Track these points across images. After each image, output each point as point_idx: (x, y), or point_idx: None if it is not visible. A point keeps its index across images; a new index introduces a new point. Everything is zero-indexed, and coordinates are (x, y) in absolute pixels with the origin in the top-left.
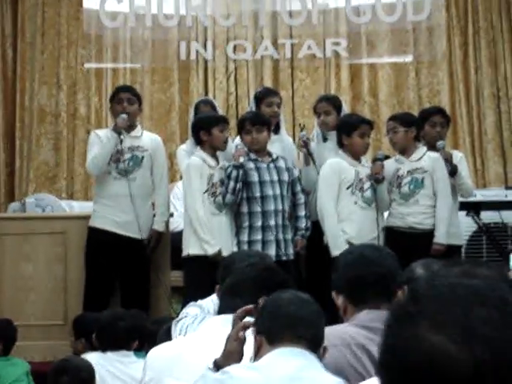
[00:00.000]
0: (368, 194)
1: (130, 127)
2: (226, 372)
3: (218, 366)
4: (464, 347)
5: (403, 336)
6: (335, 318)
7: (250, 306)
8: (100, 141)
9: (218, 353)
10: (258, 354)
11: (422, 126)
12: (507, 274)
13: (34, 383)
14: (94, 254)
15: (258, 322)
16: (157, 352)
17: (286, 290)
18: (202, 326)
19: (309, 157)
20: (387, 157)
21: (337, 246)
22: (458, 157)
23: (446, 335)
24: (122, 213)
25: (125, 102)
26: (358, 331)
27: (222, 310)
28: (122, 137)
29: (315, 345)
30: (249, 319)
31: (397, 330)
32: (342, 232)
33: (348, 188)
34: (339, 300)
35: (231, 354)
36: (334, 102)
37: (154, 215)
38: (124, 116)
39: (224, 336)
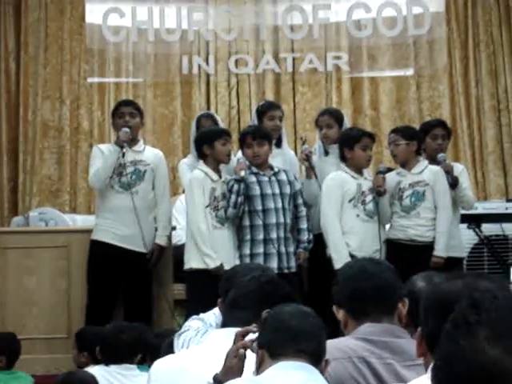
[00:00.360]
0: (370, 206)
1: (132, 141)
2: None
3: (218, 381)
4: None
5: (460, 344)
6: (337, 331)
7: (254, 327)
8: (102, 155)
9: (221, 366)
10: (259, 367)
11: (424, 138)
12: (509, 287)
13: None
14: (96, 267)
15: (260, 335)
16: (161, 364)
17: (289, 303)
18: (207, 338)
19: (311, 170)
20: (389, 169)
21: (341, 260)
22: (459, 169)
23: (504, 348)
24: (124, 226)
25: (127, 115)
26: (359, 344)
27: (225, 323)
28: (124, 150)
29: (317, 358)
30: (251, 337)
31: (455, 337)
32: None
33: (350, 201)
34: (340, 314)
35: (231, 370)
36: (336, 116)
37: (156, 229)
38: (126, 130)
39: (228, 349)
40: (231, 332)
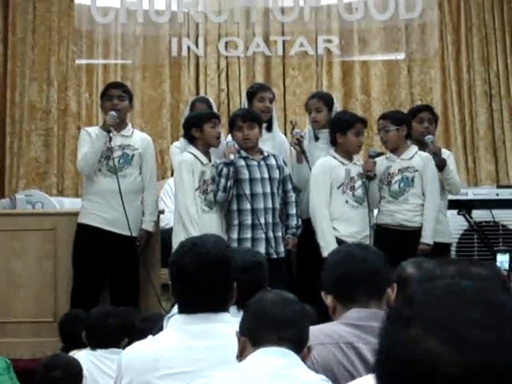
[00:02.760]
0: (359, 192)
1: (121, 124)
2: (206, 375)
3: None
4: (455, 350)
5: (396, 339)
6: (326, 317)
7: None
8: (90, 138)
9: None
10: (241, 355)
11: (411, 123)
12: (501, 272)
13: (16, 379)
14: (82, 250)
15: (242, 323)
16: (131, 355)
17: (270, 290)
18: (169, 323)
19: (301, 154)
20: (380, 154)
21: (328, 247)
22: (446, 154)
23: (438, 338)
24: (111, 209)
25: (115, 98)
26: (346, 329)
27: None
28: (111, 135)
29: (299, 345)
30: None
31: (390, 333)
32: (335, 230)
33: (339, 187)
34: (328, 300)
35: None
36: (326, 99)
37: (143, 214)
38: (113, 113)
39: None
40: (193, 317)
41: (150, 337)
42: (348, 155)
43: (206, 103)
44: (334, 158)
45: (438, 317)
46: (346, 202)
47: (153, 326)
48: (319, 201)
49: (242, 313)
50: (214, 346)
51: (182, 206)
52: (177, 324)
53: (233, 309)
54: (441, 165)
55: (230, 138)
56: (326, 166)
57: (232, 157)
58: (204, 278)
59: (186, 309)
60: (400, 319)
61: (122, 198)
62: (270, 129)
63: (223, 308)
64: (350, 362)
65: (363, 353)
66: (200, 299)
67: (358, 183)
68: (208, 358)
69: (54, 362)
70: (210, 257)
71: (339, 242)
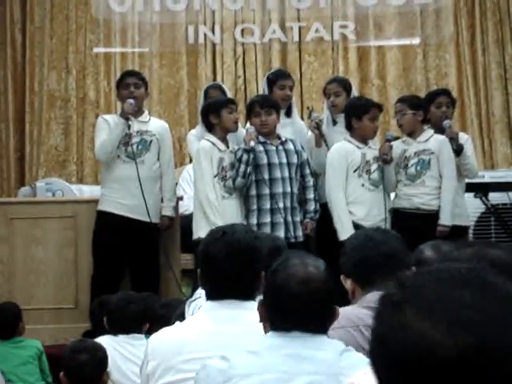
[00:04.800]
0: (375, 176)
1: (138, 111)
2: (226, 359)
3: None
4: (447, 332)
5: (390, 324)
6: (345, 300)
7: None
8: (108, 126)
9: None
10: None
11: (428, 108)
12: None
13: (47, 367)
14: (102, 237)
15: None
16: (157, 340)
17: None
18: (200, 309)
19: (321, 138)
20: (396, 138)
21: (344, 231)
22: (464, 138)
23: (430, 322)
24: (130, 196)
25: (131, 86)
26: (365, 312)
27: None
28: (129, 122)
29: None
30: None
31: (384, 318)
32: (351, 214)
33: (355, 171)
34: (347, 283)
35: None
36: (345, 84)
37: (162, 200)
38: (131, 101)
39: (228, 317)
40: (221, 304)
41: (178, 322)
42: (363, 140)
43: (220, 89)
44: (350, 142)
45: (429, 300)
46: (362, 185)
47: (173, 311)
48: (335, 185)
49: None
50: (239, 331)
51: (201, 194)
52: (204, 310)
53: (260, 297)
54: (458, 150)
55: (249, 124)
56: (342, 151)
57: (252, 143)
58: (233, 267)
59: (214, 295)
60: (393, 303)
61: (140, 184)
62: (289, 114)
63: (250, 296)
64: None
65: None
66: (228, 287)
67: (374, 166)
68: (233, 344)
69: (81, 346)
70: (239, 246)
71: (356, 225)
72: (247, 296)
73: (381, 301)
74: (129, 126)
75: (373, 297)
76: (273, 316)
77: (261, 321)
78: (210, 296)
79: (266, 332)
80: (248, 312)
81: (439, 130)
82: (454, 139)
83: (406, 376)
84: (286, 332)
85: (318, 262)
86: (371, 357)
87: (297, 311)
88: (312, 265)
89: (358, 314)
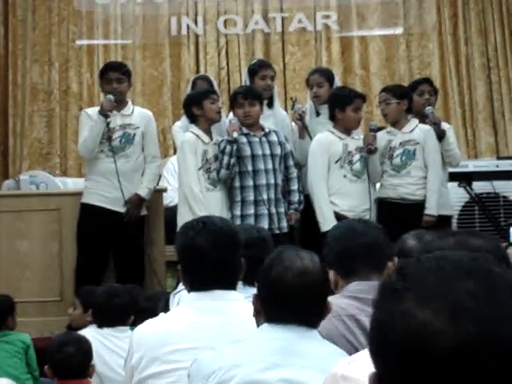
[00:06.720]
0: (357, 166)
1: (121, 103)
2: (216, 348)
3: None
4: (449, 321)
5: (390, 312)
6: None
7: None
8: (90, 120)
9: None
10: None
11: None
12: (500, 244)
13: (35, 361)
14: (86, 230)
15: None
16: (141, 332)
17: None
18: (182, 301)
19: (304, 130)
20: (380, 128)
21: (326, 223)
22: (446, 127)
23: (432, 310)
24: (113, 189)
25: (114, 82)
26: (348, 302)
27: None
28: (108, 120)
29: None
30: None
31: (384, 306)
32: (334, 205)
33: (336, 162)
34: (330, 274)
35: None
36: (327, 75)
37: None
38: (110, 97)
39: (213, 308)
40: (205, 294)
41: (162, 314)
42: (346, 130)
43: (207, 81)
44: (332, 133)
45: (431, 289)
46: (344, 176)
47: (157, 303)
48: (316, 177)
49: (247, 288)
50: (225, 322)
51: (186, 186)
52: (188, 301)
53: (239, 284)
54: (441, 135)
55: (231, 115)
56: (323, 142)
57: (235, 134)
58: (218, 255)
59: (198, 286)
60: (394, 292)
61: (119, 179)
62: (271, 105)
63: (233, 284)
64: (352, 334)
65: (365, 325)
66: (212, 276)
67: (356, 157)
68: (219, 334)
69: (67, 339)
70: (222, 233)
71: (338, 216)
72: (230, 284)
73: (381, 288)
74: (107, 124)
75: (355, 286)
76: (268, 308)
77: (255, 314)
78: (193, 287)
79: (258, 326)
80: (231, 303)
81: (422, 118)
82: (436, 124)
83: (406, 364)
84: (281, 324)
85: (312, 255)
86: (371, 345)
87: (293, 303)
88: (308, 258)
89: (340, 303)
